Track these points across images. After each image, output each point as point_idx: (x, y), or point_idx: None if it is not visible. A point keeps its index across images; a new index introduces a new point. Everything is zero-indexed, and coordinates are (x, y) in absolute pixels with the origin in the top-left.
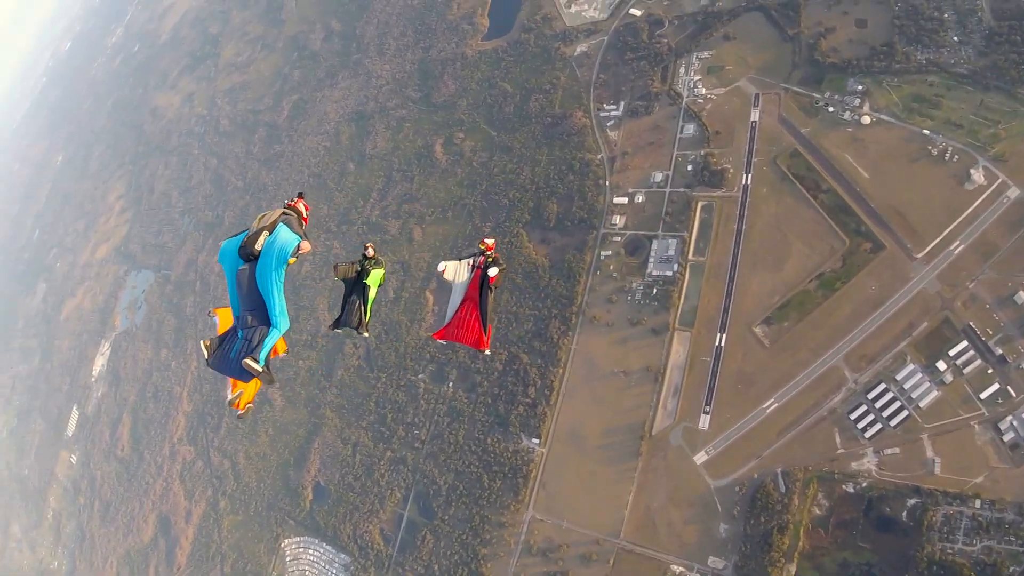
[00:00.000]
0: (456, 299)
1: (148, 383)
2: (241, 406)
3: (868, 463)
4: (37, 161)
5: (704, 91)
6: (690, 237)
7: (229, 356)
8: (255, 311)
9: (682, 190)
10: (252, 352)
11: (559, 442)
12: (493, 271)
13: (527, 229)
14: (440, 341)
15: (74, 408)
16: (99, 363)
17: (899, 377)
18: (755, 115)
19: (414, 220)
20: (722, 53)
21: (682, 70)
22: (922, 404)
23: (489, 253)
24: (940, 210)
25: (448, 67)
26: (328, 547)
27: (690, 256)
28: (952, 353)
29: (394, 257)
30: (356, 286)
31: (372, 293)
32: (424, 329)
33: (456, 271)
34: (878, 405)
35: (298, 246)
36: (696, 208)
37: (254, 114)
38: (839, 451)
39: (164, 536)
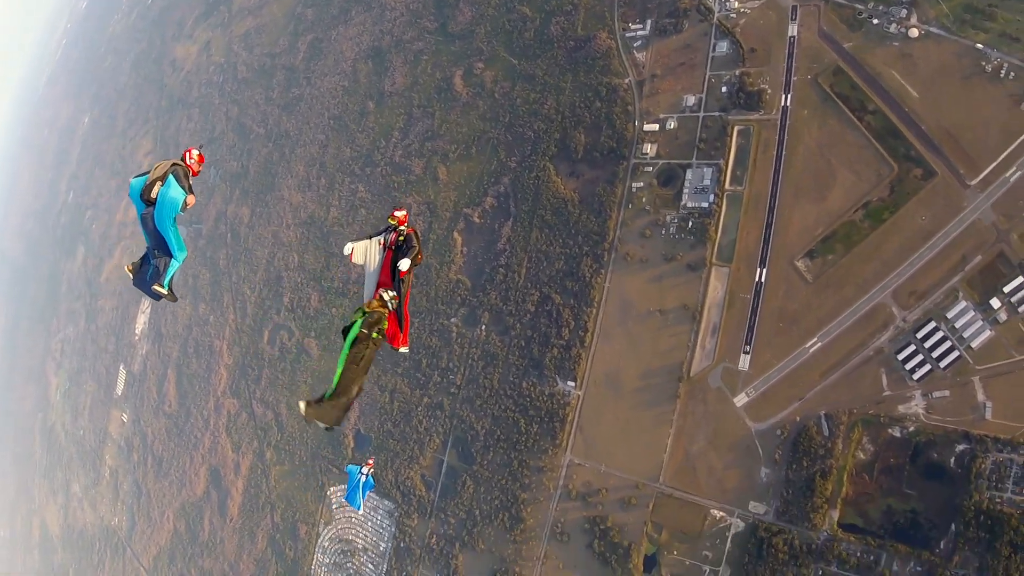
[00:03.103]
0: (369, 288)
1: (189, 338)
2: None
3: (916, 406)
4: (65, 125)
5: (737, 5)
6: (726, 165)
7: (145, 279)
8: (159, 246)
9: (717, 114)
10: (159, 279)
11: (595, 385)
12: (404, 264)
13: (554, 162)
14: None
15: (121, 367)
16: (141, 321)
17: (950, 315)
18: (793, 30)
19: (438, 158)
20: None
21: None
22: (974, 344)
23: (402, 228)
24: (995, 133)
25: None
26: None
27: (727, 186)
28: (1007, 290)
29: (420, 198)
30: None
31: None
32: (453, 272)
33: (367, 253)
34: (927, 345)
35: (184, 201)
36: (732, 133)
37: (271, 58)
38: (886, 393)
39: (216, 488)
